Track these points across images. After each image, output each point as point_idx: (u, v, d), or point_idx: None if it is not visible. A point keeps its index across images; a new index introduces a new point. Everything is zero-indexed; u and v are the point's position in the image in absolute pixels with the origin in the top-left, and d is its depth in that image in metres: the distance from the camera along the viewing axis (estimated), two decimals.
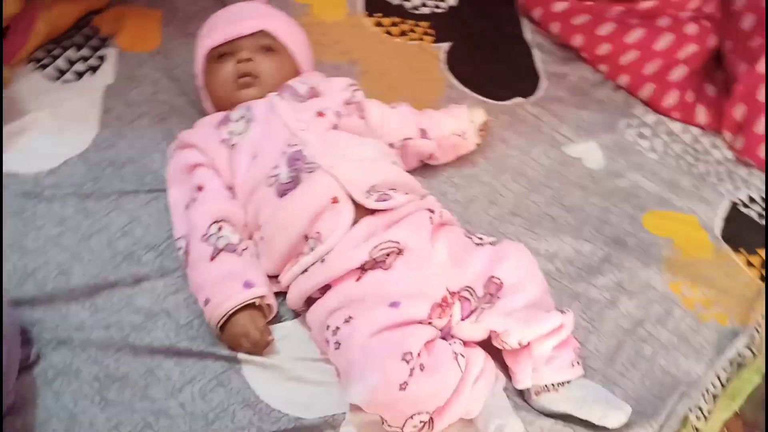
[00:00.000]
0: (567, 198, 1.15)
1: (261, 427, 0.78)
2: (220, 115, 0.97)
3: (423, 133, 1.07)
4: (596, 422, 0.82)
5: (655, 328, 0.98)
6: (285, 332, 0.87)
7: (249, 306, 0.83)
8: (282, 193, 0.86)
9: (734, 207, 1.20)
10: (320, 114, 0.94)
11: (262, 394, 0.81)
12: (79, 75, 1.11)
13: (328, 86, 1.02)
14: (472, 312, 0.83)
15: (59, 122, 1.03)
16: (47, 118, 1.03)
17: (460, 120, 1.11)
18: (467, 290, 0.84)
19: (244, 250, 0.87)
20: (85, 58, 1.14)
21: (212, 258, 0.84)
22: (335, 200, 0.85)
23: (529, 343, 0.82)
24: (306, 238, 0.86)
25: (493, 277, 0.84)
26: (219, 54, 0.99)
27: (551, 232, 1.08)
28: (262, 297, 0.84)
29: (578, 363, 0.86)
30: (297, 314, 0.90)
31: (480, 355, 0.82)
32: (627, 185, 1.20)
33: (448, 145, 1.10)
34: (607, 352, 0.94)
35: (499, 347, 0.85)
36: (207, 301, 0.83)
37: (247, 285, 0.83)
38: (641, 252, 1.08)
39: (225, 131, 0.94)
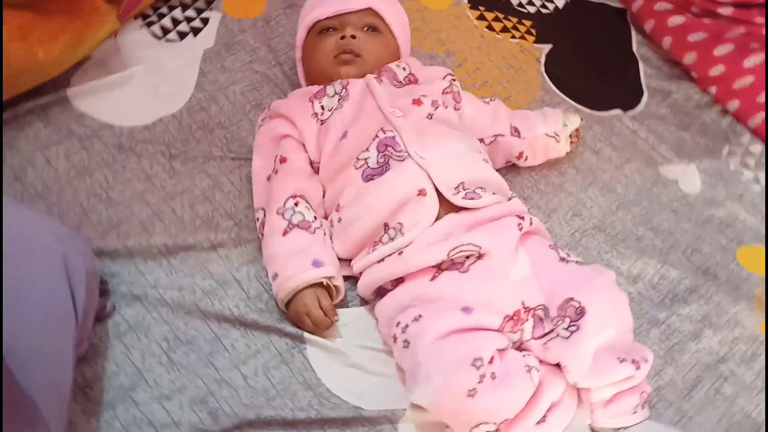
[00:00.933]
0: (657, 219, 1.09)
1: (320, 411, 0.77)
2: (315, 88, 0.96)
3: (515, 131, 1.03)
4: None
5: (739, 367, 0.93)
6: (350, 317, 0.86)
7: (316, 285, 0.82)
8: (368, 178, 0.85)
9: None
10: (417, 102, 0.92)
11: (324, 377, 0.81)
12: (182, 35, 1.12)
13: (426, 74, 1.00)
14: (544, 335, 0.80)
15: (157, 80, 1.04)
16: (147, 74, 1.04)
17: (553, 123, 1.07)
18: (542, 309, 0.81)
19: (317, 228, 0.86)
20: (190, 19, 1.15)
21: (285, 233, 0.84)
22: (422, 192, 0.83)
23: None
24: (386, 226, 0.84)
25: (572, 299, 0.79)
26: (323, 27, 0.98)
27: (636, 253, 1.03)
28: (329, 278, 0.83)
29: (643, 407, 0.81)
30: (364, 302, 0.88)
31: (561, 382, 0.78)
32: (724, 215, 1.13)
33: (540, 146, 1.06)
34: (684, 385, 0.90)
35: None
36: (275, 276, 0.83)
37: (316, 264, 0.82)
38: (732, 287, 1.02)
39: (318, 105, 0.93)
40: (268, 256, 0.85)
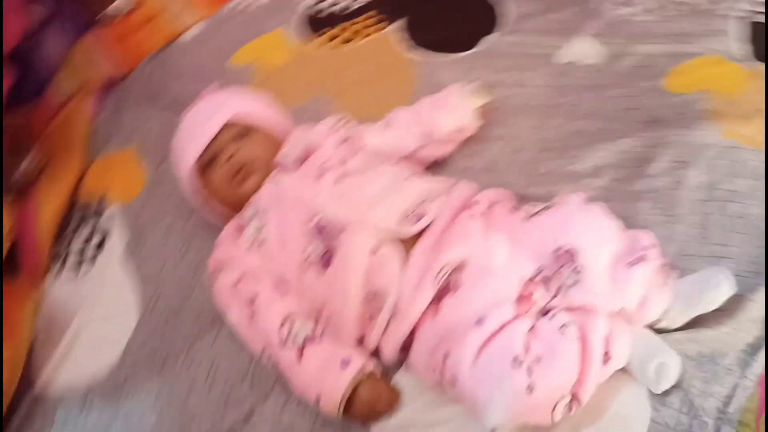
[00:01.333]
0: (584, 105, 1.10)
1: None
2: (233, 225, 0.97)
3: (426, 139, 1.03)
4: (709, 308, 0.78)
5: (731, 182, 0.93)
6: (398, 386, 0.87)
7: (363, 380, 0.83)
8: (324, 267, 0.86)
9: (750, 21, 1.12)
10: (321, 174, 0.93)
11: None
12: (93, 258, 1.13)
13: (316, 137, 0.99)
14: (558, 291, 0.80)
15: (102, 311, 1.06)
16: (91, 314, 1.06)
17: (457, 112, 1.05)
18: (541, 272, 0.81)
19: (321, 335, 0.87)
20: (89, 237, 1.16)
21: (299, 359, 0.85)
22: (376, 250, 0.84)
23: None
24: (369, 297, 0.85)
25: (558, 248, 0.80)
26: (204, 164, 0.99)
27: (586, 147, 1.03)
28: (363, 365, 0.84)
29: (667, 276, 0.81)
30: (400, 362, 0.89)
31: (597, 315, 0.78)
32: (634, 60, 1.13)
33: (453, 140, 1.07)
34: (698, 231, 0.90)
35: None
36: (318, 399, 0.83)
37: (344, 363, 0.83)
38: (681, 117, 1.02)
39: (244, 238, 0.94)
40: (300, 387, 0.85)
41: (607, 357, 0.77)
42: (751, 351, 0.78)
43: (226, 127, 0.99)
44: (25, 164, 1.19)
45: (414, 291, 0.81)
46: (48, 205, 1.16)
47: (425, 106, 1.07)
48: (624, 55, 1.14)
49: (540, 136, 1.08)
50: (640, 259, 0.79)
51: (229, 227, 0.97)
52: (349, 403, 0.82)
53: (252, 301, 0.90)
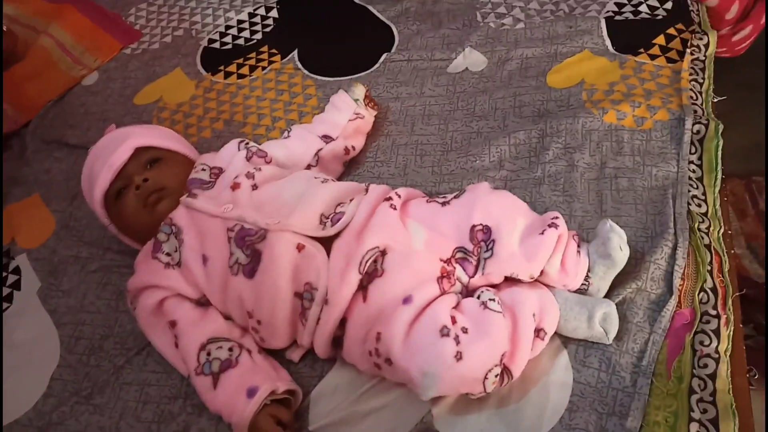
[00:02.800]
0: (477, 107, 1.18)
1: None
2: (148, 246, 0.96)
3: (327, 139, 1.08)
4: (620, 258, 0.84)
5: (616, 160, 1.02)
6: (333, 384, 0.89)
7: (265, 407, 0.83)
8: (251, 273, 0.87)
9: (611, 20, 1.25)
10: (235, 186, 0.94)
11: None
12: (9, 299, 1.09)
13: (223, 157, 1.02)
14: (476, 268, 0.85)
15: (22, 352, 1.02)
16: (9, 358, 1.01)
17: (346, 107, 1.12)
18: (459, 251, 0.86)
19: (238, 356, 0.87)
20: (2, 281, 1.12)
21: (214, 385, 0.85)
22: (300, 247, 0.86)
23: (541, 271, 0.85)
24: (298, 295, 0.86)
25: (474, 226, 0.85)
26: (114, 194, 0.98)
27: (485, 144, 1.10)
28: (271, 393, 0.84)
29: (580, 246, 0.88)
30: (334, 360, 0.91)
31: (524, 292, 0.83)
32: (517, 64, 1.23)
33: (352, 131, 1.11)
34: (594, 206, 0.98)
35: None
36: (230, 425, 0.85)
37: (250, 393, 0.83)
38: (565, 108, 1.12)
39: (163, 255, 0.94)
40: (214, 411, 0.86)
41: (541, 332, 0.82)
42: (656, 308, 0.85)
43: (135, 154, 0.99)
44: None
45: (340, 279, 0.84)
46: None
47: (318, 116, 1.14)
48: (506, 60, 1.24)
49: (442, 140, 1.15)
50: (550, 227, 0.85)
51: (145, 250, 0.97)
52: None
53: (173, 324, 0.90)
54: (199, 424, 0.88)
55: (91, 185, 1.00)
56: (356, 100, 1.13)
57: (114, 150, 0.99)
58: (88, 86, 1.45)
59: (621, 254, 0.84)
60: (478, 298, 0.83)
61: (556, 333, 0.84)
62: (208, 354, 0.87)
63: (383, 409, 0.85)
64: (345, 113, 1.11)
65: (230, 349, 0.87)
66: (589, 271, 0.86)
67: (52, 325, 1.04)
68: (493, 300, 0.81)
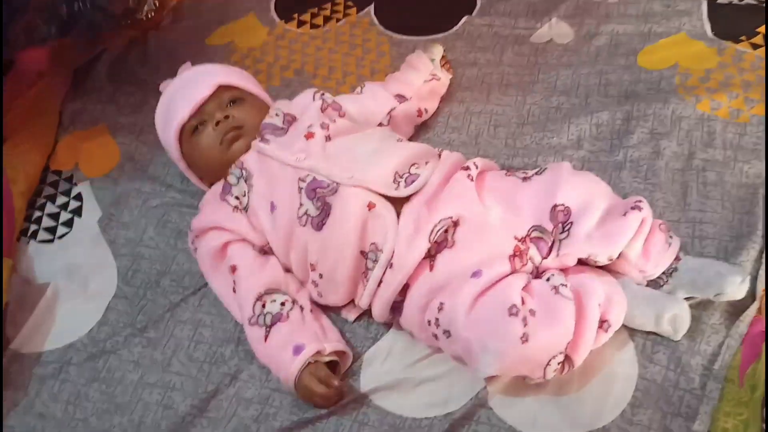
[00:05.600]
0: (559, 83, 1.13)
1: None
2: (217, 187, 0.95)
3: (400, 98, 1.05)
4: (716, 299, 0.80)
5: (706, 152, 0.97)
6: (387, 348, 0.87)
7: (310, 365, 0.82)
8: (319, 226, 0.85)
9: (713, 2, 1.17)
10: (309, 135, 0.92)
11: (403, 411, 0.81)
12: (69, 223, 1.10)
13: (298, 106, 0.99)
14: (550, 249, 0.82)
15: (79, 277, 1.02)
16: (67, 281, 1.02)
17: (423, 67, 1.09)
18: (535, 230, 0.82)
19: (290, 311, 0.86)
20: (65, 205, 1.12)
21: (265, 338, 0.85)
22: (371, 206, 0.84)
23: (620, 253, 0.81)
24: (363, 254, 0.84)
25: (556, 205, 0.82)
26: (191, 128, 0.97)
27: (564, 121, 1.06)
28: (317, 353, 0.83)
29: (672, 237, 0.84)
30: (388, 325, 0.89)
31: (594, 282, 0.79)
32: (606, 40, 1.17)
33: (427, 93, 1.08)
34: (677, 198, 0.93)
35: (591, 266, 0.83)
36: (278, 380, 0.85)
37: (297, 350, 0.82)
38: (655, 92, 1.06)
39: (232, 198, 0.92)
40: (262, 362, 0.86)
41: (605, 324, 0.78)
42: (734, 311, 0.81)
43: (217, 91, 0.97)
44: None
45: (407, 245, 0.81)
46: (21, 174, 1.12)
47: (393, 74, 1.10)
48: (595, 35, 1.18)
49: (519, 112, 1.10)
50: (633, 209, 0.80)
51: (213, 191, 0.96)
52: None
53: (234, 269, 0.89)
54: (249, 370, 0.88)
55: (168, 118, 0.98)
56: (432, 61, 1.09)
57: (196, 85, 0.97)
58: (162, 24, 1.43)
59: (714, 296, 0.80)
60: (548, 281, 0.79)
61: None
62: (263, 306, 0.86)
63: (437, 380, 0.83)
64: (421, 74, 1.08)
65: (283, 303, 0.86)
66: (671, 272, 0.82)
67: (110, 256, 1.04)
68: (565, 285, 0.78)
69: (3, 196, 1.08)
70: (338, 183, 0.85)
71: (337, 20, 1.33)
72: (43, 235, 1.09)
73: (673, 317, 0.78)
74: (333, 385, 0.81)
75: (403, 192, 0.85)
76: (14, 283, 1.02)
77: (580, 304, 0.77)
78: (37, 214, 1.12)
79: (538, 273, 0.83)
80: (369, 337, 0.89)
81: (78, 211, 1.11)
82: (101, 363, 0.93)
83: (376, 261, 0.83)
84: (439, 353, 0.84)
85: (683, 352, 0.79)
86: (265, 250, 0.92)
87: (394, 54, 1.24)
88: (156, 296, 0.98)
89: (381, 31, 1.29)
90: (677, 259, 0.83)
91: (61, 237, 1.09)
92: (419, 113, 1.07)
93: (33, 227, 1.10)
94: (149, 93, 1.15)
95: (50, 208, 1.12)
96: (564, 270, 0.82)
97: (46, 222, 1.10)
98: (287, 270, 0.92)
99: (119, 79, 1.32)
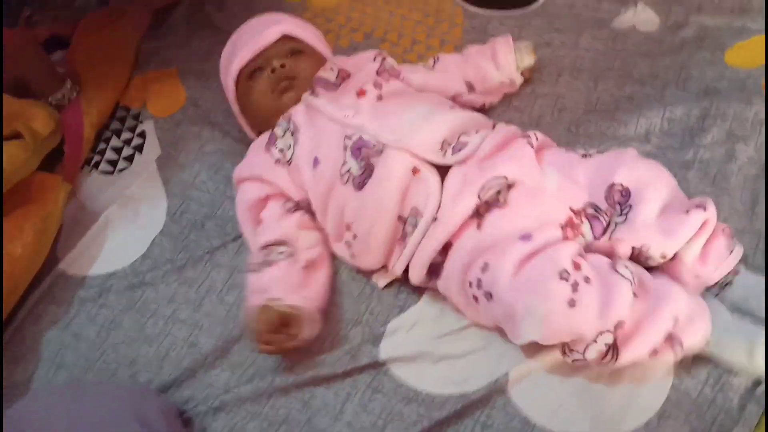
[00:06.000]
0: (636, 71, 1.07)
1: (431, 416, 0.77)
2: (264, 137, 0.95)
3: (470, 87, 1.02)
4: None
5: None
6: (414, 317, 0.86)
7: (265, 306, 0.81)
8: (360, 186, 0.84)
9: None
10: (360, 93, 0.91)
11: (419, 385, 0.81)
12: (130, 159, 1.14)
13: (356, 63, 0.99)
14: (605, 230, 0.77)
15: (131, 210, 1.06)
16: (120, 211, 1.06)
17: (506, 67, 1.03)
18: (591, 207, 0.79)
19: (280, 261, 0.85)
20: (128, 141, 1.16)
21: (257, 275, 0.86)
22: (416, 171, 0.82)
23: (675, 254, 0.76)
24: (402, 219, 0.83)
25: (613, 184, 0.78)
26: (249, 72, 0.97)
27: (634, 112, 1.00)
28: (276, 299, 0.81)
29: (734, 244, 0.78)
30: (419, 295, 0.87)
31: (674, 283, 0.75)
32: (693, 31, 1.10)
33: (495, 90, 1.05)
34: (746, 207, 0.87)
35: (644, 265, 0.77)
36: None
37: (262, 291, 0.83)
38: (738, 91, 0.99)
39: (276, 150, 0.93)
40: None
41: (676, 343, 0.72)
42: None
43: (282, 39, 0.98)
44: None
45: (453, 200, 0.79)
46: (95, 107, 1.16)
47: (472, 54, 1.05)
48: (682, 25, 1.11)
49: (587, 98, 1.05)
50: (698, 207, 0.75)
51: (260, 141, 0.96)
52: None
53: (260, 222, 0.91)
54: None
55: (230, 59, 0.99)
56: (518, 68, 1.04)
57: (261, 31, 0.98)
58: None
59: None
60: (616, 263, 0.75)
61: None
62: (269, 253, 0.86)
63: (459, 358, 0.81)
64: (501, 74, 1.03)
65: (280, 253, 0.86)
66: (725, 284, 0.77)
67: (163, 194, 1.07)
68: (626, 267, 0.73)
69: (75, 126, 1.13)
70: (384, 144, 0.84)
71: None
72: (104, 166, 1.13)
73: (752, 345, 0.72)
74: (271, 329, 0.79)
75: (450, 159, 0.82)
76: (71, 207, 1.07)
77: (652, 305, 0.72)
78: (102, 146, 1.16)
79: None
80: (396, 305, 0.88)
81: (140, 148, 1.15)
82: (138, 294, 0.96)
83: (415, 225, 0.81)
84: (467, 331, 0.82)
85: (725, 370, 0.74)
86: (301, 206, 0.91)
87: (467, 27, 1.20)
88: (199, 238, 1.00)
89: (457, 1, 1.26)
90: (734, 271, 0.78)
91: (121, 170, 1.12)
92: (482, 107, 1.04)
93: (96, 158, 1.14)
94: (221, 40, 1.16)
95: (115, 141, 1.16)
96: (649, 269, 0.77)
97: (109, 155, 1.15)
98: (320, 229, 0.91)
99: (195, 24, 1.34)
